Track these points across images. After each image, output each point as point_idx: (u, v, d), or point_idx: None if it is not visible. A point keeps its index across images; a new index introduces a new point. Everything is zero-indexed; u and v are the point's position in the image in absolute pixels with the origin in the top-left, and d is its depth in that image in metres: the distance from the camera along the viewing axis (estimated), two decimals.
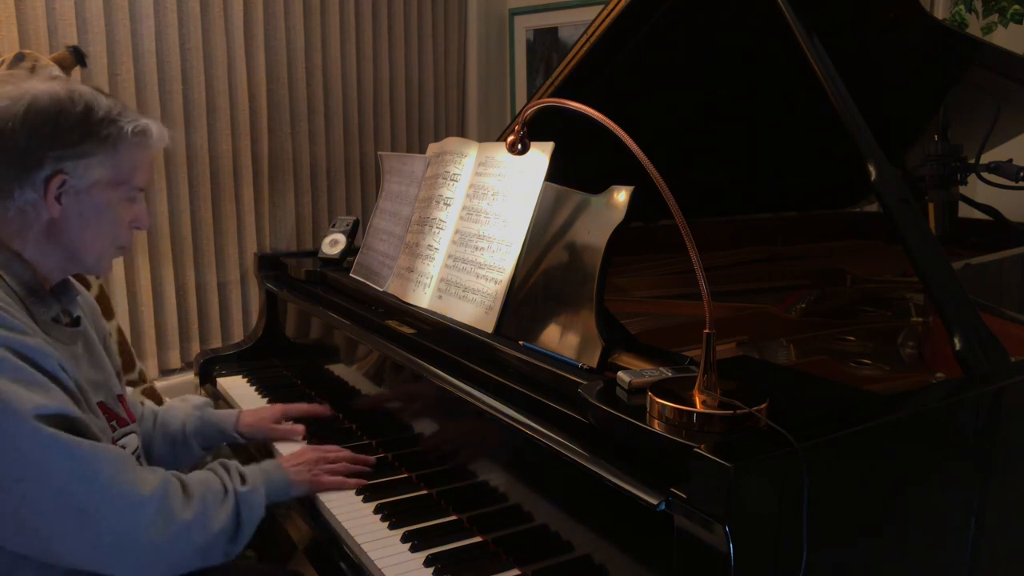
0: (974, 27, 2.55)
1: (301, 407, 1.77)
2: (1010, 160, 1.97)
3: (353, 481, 1.47)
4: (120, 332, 2.27)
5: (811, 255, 2.39)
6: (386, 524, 1.37)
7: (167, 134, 1.31)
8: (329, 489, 1.45)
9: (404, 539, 1.32)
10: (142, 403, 1.64)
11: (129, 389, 1.65)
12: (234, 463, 1.34)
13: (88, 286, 2.12)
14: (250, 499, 1.28)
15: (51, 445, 1.07)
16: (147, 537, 1.12)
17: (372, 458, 1.55)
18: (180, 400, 1.71)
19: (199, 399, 1.72)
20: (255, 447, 1.77)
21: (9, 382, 1.07)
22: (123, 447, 1.32)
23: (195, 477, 1.26)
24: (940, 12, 2.68)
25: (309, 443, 1.71)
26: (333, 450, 1.52)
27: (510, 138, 1.31)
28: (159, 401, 2.28)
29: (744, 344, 1.62)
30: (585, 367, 1.23)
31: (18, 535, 1.09)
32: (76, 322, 1.31)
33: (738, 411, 0.97)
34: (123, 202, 1.25)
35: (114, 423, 1.31)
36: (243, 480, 1.31)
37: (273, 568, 1.70)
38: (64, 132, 1.18)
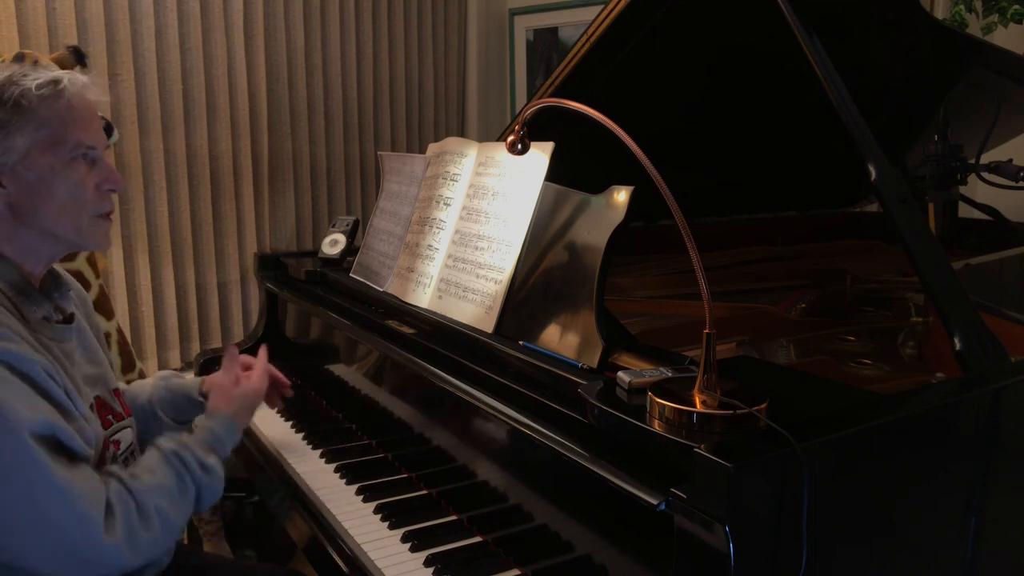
0: (974, 27, 2.55)
1: (261, 362, 1.60)
2: (1010, 160, 1.97)
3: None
4: (120, 332, 2.27)
5: (811, 255, 2.39)
6: (386, 524, 1.37)
7: (86, 80, 1.21)
8: (257, 393, 1.48)
9: (404, 539, 1.32)
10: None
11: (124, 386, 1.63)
12: (191, 455, 1.27)
13: (88, 286, 2.12)
14: (210, 483, 1.27)
15: (32, 464, 1.05)
16: (119, 563, 1.13)
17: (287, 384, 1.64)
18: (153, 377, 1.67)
19: (166, 372, 1.68)
20: None
21: None
22: (118, 441, 1.31)
23: (151, 488, 1.20)
24: (940, 12, 2.68)
25: (303, 436, 1.72)
26: (243, 374, 1.51)
27: (510, 138, 1.31)
28: None
29: (744, 344, 1.62)
30: (585, 367, 1.23)
31: None
32: (70, 319, 1.28)
33: (738, 411, 0.97)
34: (72, 165, 1.18)
35: (110, 417, 1.31)
36: (203, 468, 1.27)
37: (273, 568, 1.69)
38: None
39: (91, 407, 1.26)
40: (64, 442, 1.11)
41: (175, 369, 2.81)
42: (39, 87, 1.15)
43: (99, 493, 1.13)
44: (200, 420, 1.39)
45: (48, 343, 1.19)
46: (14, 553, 1.08)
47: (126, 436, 1.35)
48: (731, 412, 0.97)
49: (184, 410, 1.58)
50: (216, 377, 1.56)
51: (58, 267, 1.33)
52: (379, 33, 3.29)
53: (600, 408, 1.07)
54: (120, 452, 1.32)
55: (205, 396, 1.56)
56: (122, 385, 1.60)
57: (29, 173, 1.16)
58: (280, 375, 1.67)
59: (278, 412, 1.91)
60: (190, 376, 1.66)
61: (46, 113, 1.16)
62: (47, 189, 1.17)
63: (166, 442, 1.27)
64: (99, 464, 1.23)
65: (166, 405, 1.57)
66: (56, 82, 1.17)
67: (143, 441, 1.42)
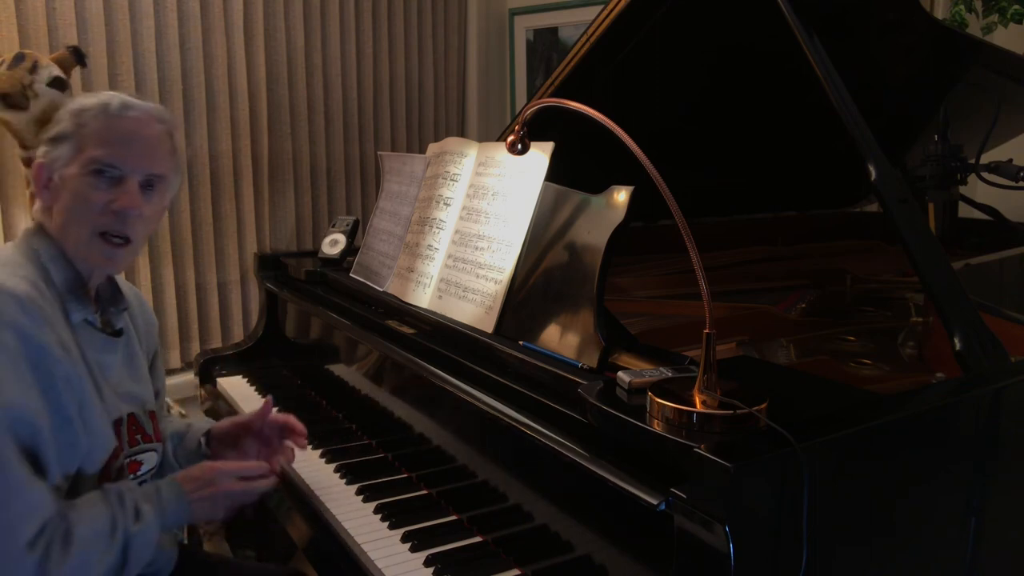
0: (974, 27, 2.55)
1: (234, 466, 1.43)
2: (1010, 160, 1.97)
3: (264, 481, 1.34)
4: None
5: (811, 255, 2.39)
6: (386, 524, 1.37)
7: (111, 98, 1.27)
8: (234, 492, 1.31)
9: (404, 539, 1.32)
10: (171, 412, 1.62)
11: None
12: (131, 497, 1.22)
13: None
14: (140, 538, 1.19)
15: None
16: None
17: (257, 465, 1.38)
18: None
19: (202, 424, 1.60)
20: None
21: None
22: (139, 463, 1.32)
23: (84, 517, 1.15)
24: (940, 12, 2.68)
25: (311, 444, 1.71)
26: (234, 466, 1.35)
27: (510, 138, 1.31)
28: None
29: (744, 344, 1.62)
30: (585, 367, 1.23)
31: None
32: (118, 333, 1.32)
33: (738, 411, 0.97)
34: (87, 178, 1.22)
35: (138, 436, 1.32)
36: (137, 517, 1.20)
37: (273, 568, 1.69)
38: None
39: (119, 421, 1.28)
40: (39, 447, 1.11)
41: (175, 370, 2.82)
42: (93, 108, 1.25)
43: (42, 509, 1.10)
44: (161, 481, 1.29)
45: (84, 347, 1.22)
46: None
47: (150, 459, 1.36)
48: (731, 412, 0.97)
49: (192, 459, 1.50)
50: (223, 424, 1.54)
51: (123, 284, 1.39)
52: (379, 33, 3.29)
53: (600, 408, 1.07)
54: (140, 473, 1.33)
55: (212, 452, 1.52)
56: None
57: (61, 183, 1.23)
58: (296, 426, 1.54)
59: (278, 412, 1.90)
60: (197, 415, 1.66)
61: (89, 131, 1.24)
62: (66, 200, 1.23)
63: (113, 484, 1.24)
64: (103, 477, 1.23)
65: (179, 448, 1.53)
66: (106, 103, 1.26)
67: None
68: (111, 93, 1.29)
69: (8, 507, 1.07)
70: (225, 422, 1.55)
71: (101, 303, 1.30)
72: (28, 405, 1.09)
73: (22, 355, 1.10)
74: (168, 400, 1.73)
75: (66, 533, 1.12)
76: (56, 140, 1.24)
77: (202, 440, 1.52)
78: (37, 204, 1.28)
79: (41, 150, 1.25)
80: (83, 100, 1.27)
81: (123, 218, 1.24)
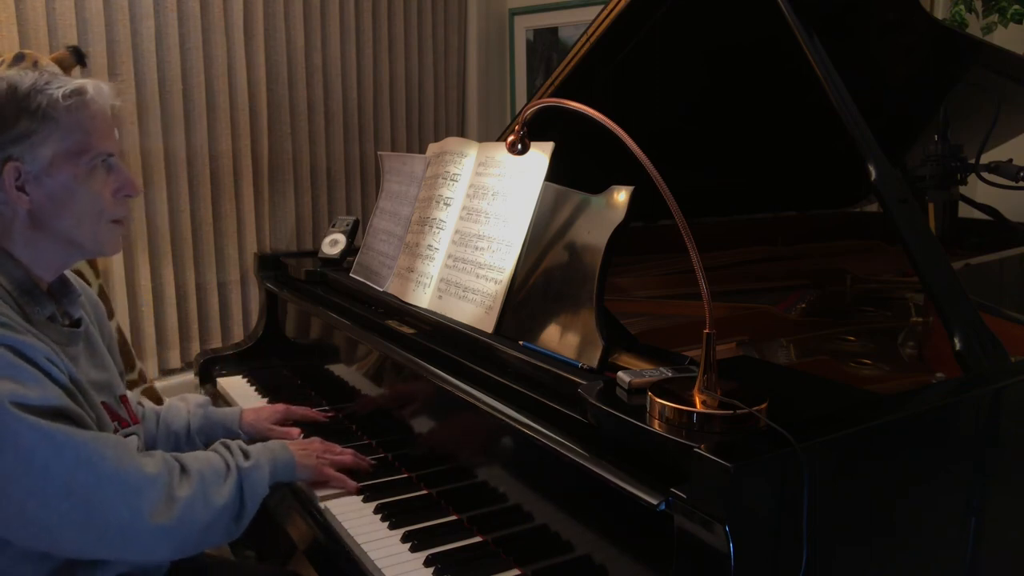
0: (974, 27, 2.55)
1: (302, 411, 1.75)
2: (1010, 160, 1.97)
3: (353, 483, 1.46)
4: (120, 332, 2.28)
5: (811, 255, 2.39)
6: (386, 524, 1.37)
7: (107, 88, 1.22)
8: (331, 481, 1.44)
9: (404, 539, 1.32)
10: (140, 403, 1.64)
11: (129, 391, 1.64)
12: (237, 442, 1.34)
13: (88, 285, 2.12)
14: (253, 475, 1.27)
15: (52, 437, 1.06)
16: (153, 522, 1.12)
17: (370, 460, 1.54)
18: (179, 399, 1.70)
19: (200, 398, 1.71)
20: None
21: (2, 379, 1.06)
22: None
23: (194, 455, 1.25)
24: (940, 12, 2.69)
25: (303, 436, 1.72)
26: (338, 448, 1.52)
27: (510, 138, 1.31)
28: (159, 402, 2.28)
29: (744, 344, 1.62)
30: (585, 367, 1.23)
31: (24, 528, 1.08)
32: (77, 323, 1.29)
33: (738, 411, 0.97)
34: (93, 173, 1.19)
35: (116, 424, 1.31)
36: (246, 456, 1.30)
37: (273, 568, 1.69)
38: None
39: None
40: (77, 421, 1.12)
41: (175, 370, 2.82)
42: (66, 97, 1.16)
43: (131, 445, 1.18)
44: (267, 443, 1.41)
45: (52, 344, 1.19)
46: (53, 534, 1.08)
47: (132, 442, 1.34)
48: (731, 412, 0.97)
49: (217, 437, 1.62)
50: (259, 410, 1.68)
51: (68, 273, 1.33)
52: (379, 33, 3.30)
53: (600, 408, 1.07)
54: None
55: (244, 432, 1.65)
56: (147, 403, 1.65)
57: (51, 181, 1.17)
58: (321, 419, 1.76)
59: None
60: (212, 402, 1.73)
61: (71, 123, 1.17)
62: (69, 197, 1.18)
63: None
64: None
65: (202, 433, 1.62)
66: (81, 92, 1.18)
67: None
68: (52, 76, 1.18)
69: (107, 442, 1.12)
70: (260, 414, 1.68)
71: (55, 296, 1.26)
72: (46, 393, 1.09)
73: (18, 359, 1.09)
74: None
75: (181, 465, 1.21)
76: (24, 137, 1.14)
77: (239, 431, 1.64)
78: None
79: (2, 150, 1.14)
80: (41, 88, 1.15)
81: (126, 202, 1.26)
